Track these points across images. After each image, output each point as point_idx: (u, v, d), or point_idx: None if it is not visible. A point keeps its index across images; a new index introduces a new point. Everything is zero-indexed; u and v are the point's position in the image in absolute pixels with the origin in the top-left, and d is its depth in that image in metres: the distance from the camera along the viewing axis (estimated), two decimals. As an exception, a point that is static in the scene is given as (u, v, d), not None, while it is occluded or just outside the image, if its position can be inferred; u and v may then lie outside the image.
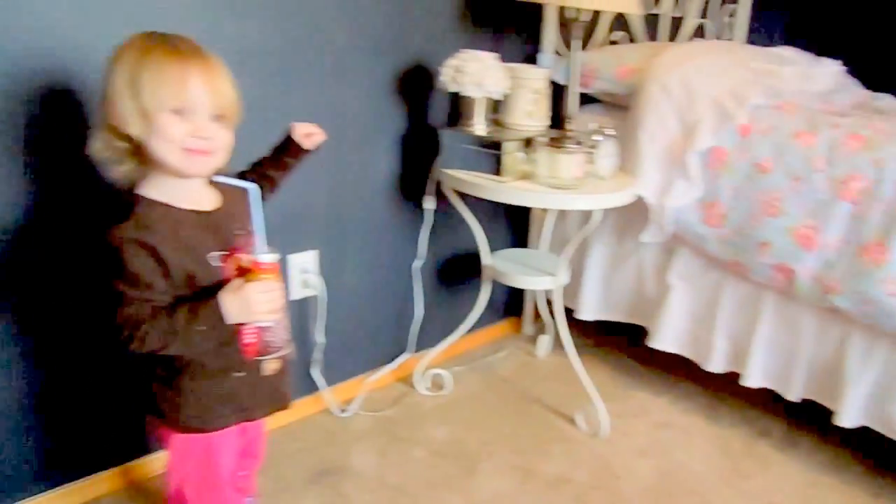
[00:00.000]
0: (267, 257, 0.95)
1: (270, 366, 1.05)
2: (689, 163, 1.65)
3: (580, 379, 1.78)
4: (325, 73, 1.51)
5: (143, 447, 1.47)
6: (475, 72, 1.46)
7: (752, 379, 1.70)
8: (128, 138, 0.92)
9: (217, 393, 1.02)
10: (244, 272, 0.96)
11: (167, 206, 0.95)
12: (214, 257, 0.96)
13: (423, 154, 1.77)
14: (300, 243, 1.58)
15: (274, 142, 1.19)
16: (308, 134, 1.18)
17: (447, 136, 1.59)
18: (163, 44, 0.90)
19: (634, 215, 1.85)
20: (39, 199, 1.21)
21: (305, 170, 1.52)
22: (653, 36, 2.27)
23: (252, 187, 0.94)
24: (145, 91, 0.88)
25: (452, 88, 1.50)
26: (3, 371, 1.24)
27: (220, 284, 0.96)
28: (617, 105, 1.90)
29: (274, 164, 1.18)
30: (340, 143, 1.59)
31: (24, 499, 1.32)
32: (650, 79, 1.71)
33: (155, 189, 0.95)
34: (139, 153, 0.94)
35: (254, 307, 0.94)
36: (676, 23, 2.34)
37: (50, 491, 1.35)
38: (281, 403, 1.11)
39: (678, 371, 2.05)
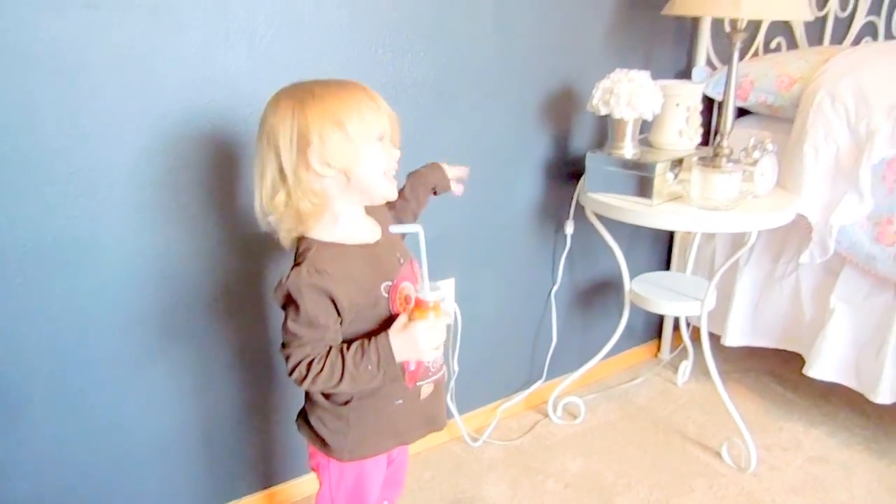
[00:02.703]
0: (432, 295, 0.95)
1: (426, 389, 1.06)
2: (861, 176, 1.51)
3: (726, 408, 1.67)
4: (473, 100, 1.51)
5: (286, 473, 1.53)
6: (627, 93, 1.39)
7: (928, 413, 1.55)
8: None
9: (378, 421, 1.04)
10: (411, 305, 0.98)
11: (338, 245, 0.97)
12: (383, 289, 0.98)
13: (565, 179, 1.73)
14: (438, 271, 1.57)
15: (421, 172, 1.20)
16: (459, 179, 1.21)
17: (593, 160, 1.53)
18: (337, 83, 0.94)
19: (790, 235, 1.73)
20: (209, 242, 1.27)
21: (447, 198, 1.53)
22: (815, 40, 2.10)
23: (420, 230, 0.97)
24: (352, 125, 0.91)
25: (603, 111, 1.44)
26: (179, 399, 1.33)
27: (387, 316, 0.98)
28: (774, 117, 1.76)
29: (417, 199, 1.19)
30: (484, 170, 1.58)
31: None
32: (817, 88, 1.58)
33: (323, 231, 0.97)
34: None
35: (420, 345, 0.95)
36: (841, 23, 2.15)
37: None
38: (436, 425, 1.12)
39: (835, 401, 1.90)
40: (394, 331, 0.95)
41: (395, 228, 1.00)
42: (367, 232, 1.01)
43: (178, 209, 1.22)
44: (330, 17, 1.27)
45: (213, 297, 1.31)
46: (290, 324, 0.93)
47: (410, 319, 0.95)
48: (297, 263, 0.94)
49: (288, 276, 0.92)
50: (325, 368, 0.93)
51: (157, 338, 1.27)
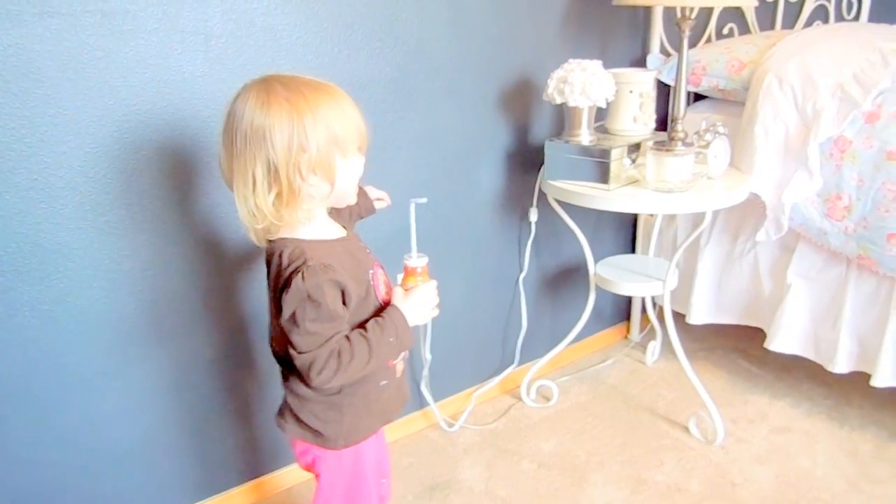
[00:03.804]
0: (419, 261, 1.06)
1: (399, 367, 1.10)
2: (809, 155, 1.56)
3: (693, 384, 1.72)
4: (431, 94, 1.53)
5: (272, 463, 1.56)
6: (580, 81, 1.43)
7: (882, 379, 1.60)
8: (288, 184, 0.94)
9: (367, 403, 1.06)
10: (401, 276, 1.06)
11: (322, 241, 0.99)
12: (370, 276, 1.01)
13: (527, 167, 1.76)
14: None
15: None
16: (380, 198, 1.24)
17: (552, 148, 1.57)
18: (321, 86, 0.93)
19: (747, 214, 1.78)
20: (187, 243, 1.29)
21: (412, 189, 1.55)
22: (767, 25, 2.15)
23: (413, 202, 1.06)
24: (344, 138, 0.93)
25: (558, 100, 1.48)
26: (155, 398, 1.35)
27: (375, 305, 1.02)
28: (727, 100, 1.81)
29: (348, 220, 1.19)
30: (446, 162, 1.61)
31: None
32: (765, 71, 1.62)
33: (301, 230, 0.98)
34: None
35: (423, 306, 1.04)
36: (792, 8, 2.20)
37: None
38: (406, 400, 1.16)
39: (798, 373, 1.96)
40: (398, 301, 1.02)
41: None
42: (335, 228, 1.04)
43: (142, 212, 1.24)
44: (283, 18, 1.29)
45: (183, 297, 1.33)
46: (309, 325, 0.92)
47: (406, 288, 1.04)
48: (300, 264, 0.92)
49: (303, 279, 0.91)
50: (356, 354, 0.95)
51: (130, 339, 1.29)
